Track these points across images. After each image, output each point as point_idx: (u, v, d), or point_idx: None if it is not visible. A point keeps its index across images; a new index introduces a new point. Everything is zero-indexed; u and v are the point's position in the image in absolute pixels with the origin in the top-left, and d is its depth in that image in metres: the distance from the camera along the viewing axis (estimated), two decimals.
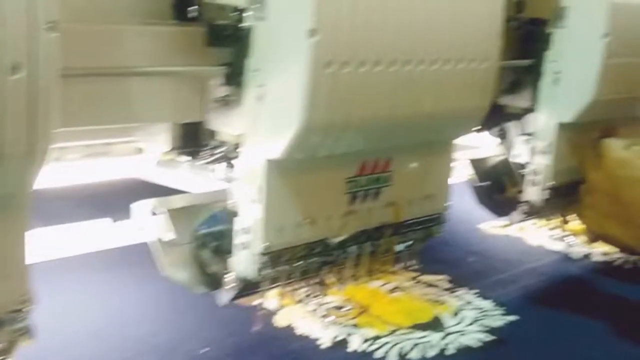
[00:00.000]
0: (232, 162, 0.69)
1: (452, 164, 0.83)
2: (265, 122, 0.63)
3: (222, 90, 0.66)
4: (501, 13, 0.74)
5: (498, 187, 1.05)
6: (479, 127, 1.03)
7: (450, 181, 0.82)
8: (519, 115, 1.02)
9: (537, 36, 0.94)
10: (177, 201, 0.71)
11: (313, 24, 0.58)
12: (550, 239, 1.09)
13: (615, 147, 0.92)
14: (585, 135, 0.96)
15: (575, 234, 1.05)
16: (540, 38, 0.93)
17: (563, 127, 0.95)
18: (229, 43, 0.63)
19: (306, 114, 0.61)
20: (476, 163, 1.04)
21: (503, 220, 1.03)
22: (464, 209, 1.04)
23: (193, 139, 0.71)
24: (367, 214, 0.74)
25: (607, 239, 0.91)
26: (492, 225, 1.12)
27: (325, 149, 0.66)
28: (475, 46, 0.72)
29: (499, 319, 0.82)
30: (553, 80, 0.94)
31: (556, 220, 1.05)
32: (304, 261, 0.70)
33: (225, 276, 0.68)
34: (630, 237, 0.87)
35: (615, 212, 0.88)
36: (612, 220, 0.88)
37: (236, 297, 0.69)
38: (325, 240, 0.71)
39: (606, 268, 0.99)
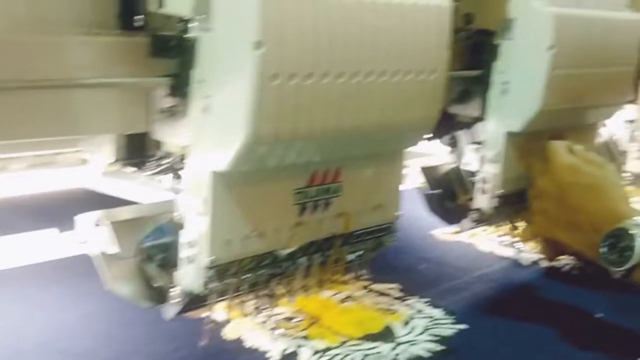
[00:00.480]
0: (179, 173, 0.68)
1: (403, 173, 0.83)
2: (210, 134, 0.62)
3: (168, 101, 0.66)
4: (449, 25, 0.75)
5: (449, 195, 1.06)
6: (430, 136, 1.04)
7: (402, 189, 0.82)
8: (469, 124, 1.03)
9: (485, 47, 0.95)
10: (122, 213, 0.69)
11: (259, 36, 0.58)
12: (501, 245, 1.10)
13: (562, 153, 0.93)
14: (533, 144, 0.98)
15: (524, 239, 1.06)
16: (488, 49, 0.94)
17: (511, 136, 0.96)
18: (173, 54, 0.62)
19: (252, 126, 0.60)
20: (427, 171, 1.05)
21: (454, 228, 1.04)
22: (418, 215, 1.04)
23: (138, 150, 0.70)
24: (317, 225, 0.74)
25: (556, 244, 0.92)
26: (445, 232, 1.13)
27: (272, 161, 0.65)
28: (424, 58, 0.73)
29: (449, 328, 0.83)
30: (501, 91, 0.95)
31: (506, 227, 1.06)
32: (253, 274, 0.69)
33: (171, 290, 0.67)
34: (579, 243, 0.88)
35: (563, 217, 0.89)
36: (561, 225, 0.90)
37: (183, 311, 0.68)
38: (274, 252, 0.71)
39: (555, 274, 1.01)
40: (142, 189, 0.80)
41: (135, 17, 0.67)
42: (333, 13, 0.63)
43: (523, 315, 0.89)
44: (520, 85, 0.93)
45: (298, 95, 0.63)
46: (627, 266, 0.80)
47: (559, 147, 0.94)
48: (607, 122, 1.24)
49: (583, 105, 1.01)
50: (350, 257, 0.80)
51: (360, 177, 0.77)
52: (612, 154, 1.40)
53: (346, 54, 0.65)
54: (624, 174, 1.34)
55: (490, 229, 1.10)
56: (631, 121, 1.32)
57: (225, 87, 0.60)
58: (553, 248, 0.94)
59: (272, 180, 0.69)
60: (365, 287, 0.93)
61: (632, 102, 1.31)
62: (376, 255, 0.83)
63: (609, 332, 0.87)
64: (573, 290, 0.97)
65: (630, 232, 0.81)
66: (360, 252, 0.81)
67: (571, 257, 1.02)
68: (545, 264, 1.03)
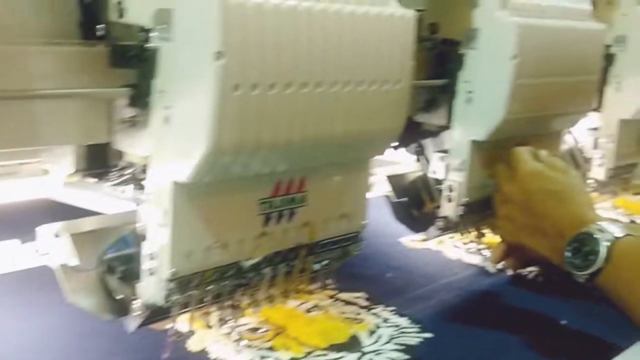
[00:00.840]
0: (141, 183, 0.68)
1: (370, 181, 0.83)
2: (172, 145, 0.62)
3: (129, 112, 0.65)
4: (413, 35, 0.75)
5: (416, 203, 1.06)
6: (396, 144, 1.05)
7: (369, 197, 0.82)
8: (435, 132, 1.03)
9: (450, 57, 0.95)
10: (84, 224, 0.69)
11: (219, 46, 0.58)
12: (468, 252, 1.11)
13: (526, 159, 0.94)
14: (498, 152, 0.98)
15: (490, 247, 1.07)
16: (453, 58, 0.95)
17: (476, 144, 0.97)
18: (134, 64, 0.62)
19: (213, 137, 0.60)
20: (393, 179, 1.05)
21: (422, 235, 1.04)
22: (386, 222, 1.05)
23: (100, 160, 0.69)
24: (282, 235, 0.74)
25: (522, 252, 0.93)
26: (413, 239, 1.14)
27: (235, 172, 0.65)
28: (388, 68, 0.73)
29: (414, 337, 0.83)
30: (466, 100, 0.95)
31: (472, 234, 1.07)
32: (216, 285, 0.69)
33: (133, 302, 0.66)
34: (544, 248, 0.89)
35: (528, 223, 0.90)
36: (526, 231, 0.90)
37: (145, 324, 0.67)
38: (238, 263, 0.70)
39: (520, 281, 1.01)
40: (105, 199, 0.79)
41: (97, 27, 0.66)
42: (296, 23, 0.63)
43: (488, 323, 0.89)
44: (484, 94, 0.94)
45: (260, 105, 0.62)
46: (591, 270, 0.80)
47: (523, 154, 0.95)
48: (571, 129, 1.25)
49: (547, 113, 1.02)
50: (316, 266, 0.80)
51: (325, 187, 0.77)
52: (577, 161, 1.42)
53: (310, 64, 0.65)
54: (588, 181, 1.35)
55: (458, 235, 1.10)
56: (595, 129, 1.34)
57: (186, 97, 0.60)
58: (519, 259, 0.94)
59: (235, 191, 0.68)
60: (331, 297, 0.93)
61: (596, 110, 1.32)
62: (342, 264, 0.83)
63: (574, 338, 0.88)
64: (538, 298, 0.97)
65: (594, 236, 0.82)
66: (326, 262, 0.81)
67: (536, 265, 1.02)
68: (511, 271, 1.04)
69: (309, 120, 0.67)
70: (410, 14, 0.74)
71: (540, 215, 0.89)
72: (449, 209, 0.99)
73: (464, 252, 1.11)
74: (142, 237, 0.65)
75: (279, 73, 0.63)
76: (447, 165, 0.99)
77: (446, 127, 1.00)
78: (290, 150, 0.68)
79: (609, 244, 0.80)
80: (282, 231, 0.73)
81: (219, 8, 0.57)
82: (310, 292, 0.88)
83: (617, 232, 0.82)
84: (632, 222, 1.36)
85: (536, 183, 0.92)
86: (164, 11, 0.59)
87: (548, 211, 0.89)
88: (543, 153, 0.97)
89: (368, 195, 0.82)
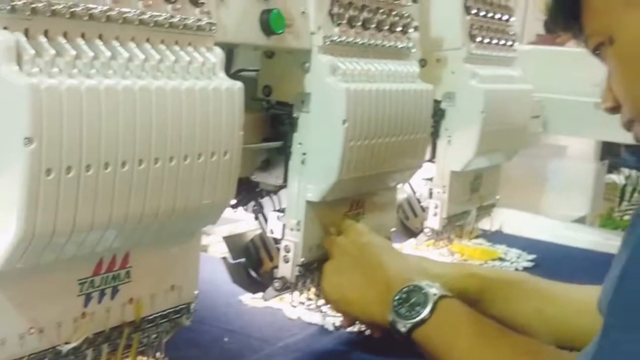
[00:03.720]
0: None
1: (200, 251, 0.82)
2: None
3: None
4: (240, 106, 0.75)
5: (254, 263, 1.06)
6: (235, 203, 1.04)
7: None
8: (272, 191, 1.04)
9: (285, 119, 0.97)
10: None
11: (28, 132, 0.55)
12: (308, 309, 1.11)
13: (357, 224, 0.98)
14: (333, 212, 1.00)
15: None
16: (287, 121, 0.96)
17: (312, 205, 0.98)
18: None
19: (25, 223, 0.57)
20: (230, 240, 1.04)
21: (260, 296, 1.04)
22: (225, 280, 1.03)
23: None
24: (104, 314, 0.71)
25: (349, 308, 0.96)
26: (253, 297, 1.12)
27: (49, 256, 0.62)
28: (215, 140, 0.72)
29: None
30: (301, 161, 0.97)
31: (311, 292, 1.07)
32: None
33: None
34: (371, 301, 0.92)
35: (358, 277, 0.94)
36: (356, 285, 0.94)
37: None
38: (56, 347, 0.67)
39: (357, 338, 1.03)
40: None
41: None
42: (113, 103, 0.61)
43: None
44: (318, 157, 0.96)
45: (77, 187, 0.60)
46: (415, 320, 0.83)
47: (352, 222, 1.01)
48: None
49: (380, 172, 1.05)
50: (144, 340, 0.77)
51: (151, 261, 0.75)
52: (415, 210, 1.48)
53: (129, 143, 0.63)
54: (424, 230, 1.40)
55: (297, 294, 1.11)
56: (430, 179, 1.40)
57: None
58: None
59: (51, 273, 0.65)
60: None
61: (430, 160, 1.38)
62: (174, 333, 0.81)
63: None
64: (374, 355, 0.99)
65: (423, 290, 0.85)
66: (155, 335, 0.78)
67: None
68: (349, 328, 1.05)
69: (131, 198, 0.65)
70: (237, 85, 0.75)
71: (374, 266, 0.93)
72: (285, 269, 1.00)
73: (304, 309, 1.11)
74: None
75: (95, 154, 0.60)
76: (284, 225, 1.00)
77: (283, 187, 1.01)
78: (111, 230, 0.65)
79: (435, 297, 0.84)
80: (104, 310, 0.71)
81: (27, 94, 0.55)
82: None
83: (442, 291, 0.86)
84: (465, 260, 1.43)
85: (370, 238, 0.98)
86: None
87: (381, 263, 0.93)
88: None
89: (198, 264, 0.81)
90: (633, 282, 0.56)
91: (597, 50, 0.70)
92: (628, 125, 0.70)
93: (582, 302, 0.91)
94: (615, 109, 0.71)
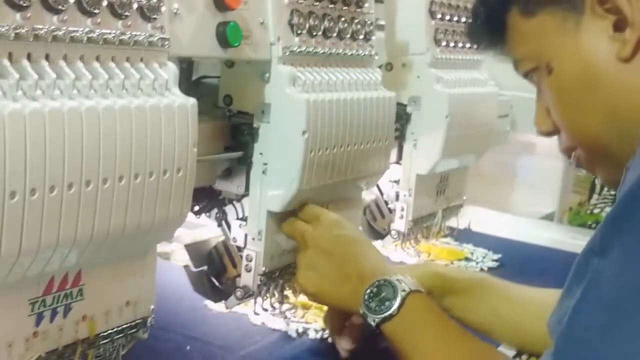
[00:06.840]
0: None
1: (155, 266, 0.82)
2: None
3: None
4: (194, 123, 0.75)
5: (216, 271, 1.06)
6: (198, 210, 1.04)
7: (155, 282, 0.80)
8: (235, 200, 1.04)
9: (245, 129, 0.96)
10: None
11: None
12: (272, 315, 1.11)
13: (325, 211, 0.99)
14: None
15: (295, 307, 1.08)
16: (248, 131, 0.96)
17: (273, 215, 0.98)
18: None
19: None
20: (191, 248, 1.04)
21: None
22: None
23: None
24: (57, 333, 0.71)
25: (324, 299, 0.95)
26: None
27: None
28: (168, 158, 0.72)
29: None
30: (262, 171, 0.97)
31: (274, 298, 1.08)
32: None
33: None
34: (344, 294, 0.91)
35: (332, 269, 0.93)
36: (329, 278, 0.93)
37: None
38: None
39: (319, 345, 1.03)
40: None
41: None
42: (61, 125, 0.61)
43: None
44: (279, 167, 0.96)
45: (21, 210, 0.60)
46: (383, 315, 0.83)
47: (318, 207, 0.99)
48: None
49: (343, 179, 1.05)
50: (100, 354, 0.77)
51: (104, 278, 0.75)
52: (382, 211, 1.48)
53: (75, 165, 0.63)
54: (391, 232, 1.41)
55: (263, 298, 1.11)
56: (396, 181, 1.40)
57: None
58: (336, 320, 0.97)
59: (0, 294, 0.65)
60: None
61: (397, 162, 1.39)
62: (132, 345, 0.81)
63: None
64: None
65: (393, 284, 0.85)
66: (112, 349, 0.78)
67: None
68: (312, 334, 1.06)
69: (79, 219, 0.65)
70: (190, 102, 0.74)
71: (346, 258, 0.92)
72: (247, 278, 1.00)
73: (269, 315, 1.11)
74: None
75: (40, 177, 0.60)
76: (246, 235, 1.00)
77: (245, 195, 1.01)
78: (60, 251, 0.65)
79: (404, 294, 0.84)
80: (57, 329, 0.70)
81: None
82: None
83: (412, 285, 0.86)
84: (432, 260, 1.44)
85: (341, 229, 0.96)
86: None
87: (354, 255, 0.93)
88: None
89: (154, 279, 0.81)
90: (584, 318, 0.57)
91: (527, 75, 0.69)
92: (568, 152, 0.69)
93: (539, 305, 0.91)
94: (552, 133, 0.70)
